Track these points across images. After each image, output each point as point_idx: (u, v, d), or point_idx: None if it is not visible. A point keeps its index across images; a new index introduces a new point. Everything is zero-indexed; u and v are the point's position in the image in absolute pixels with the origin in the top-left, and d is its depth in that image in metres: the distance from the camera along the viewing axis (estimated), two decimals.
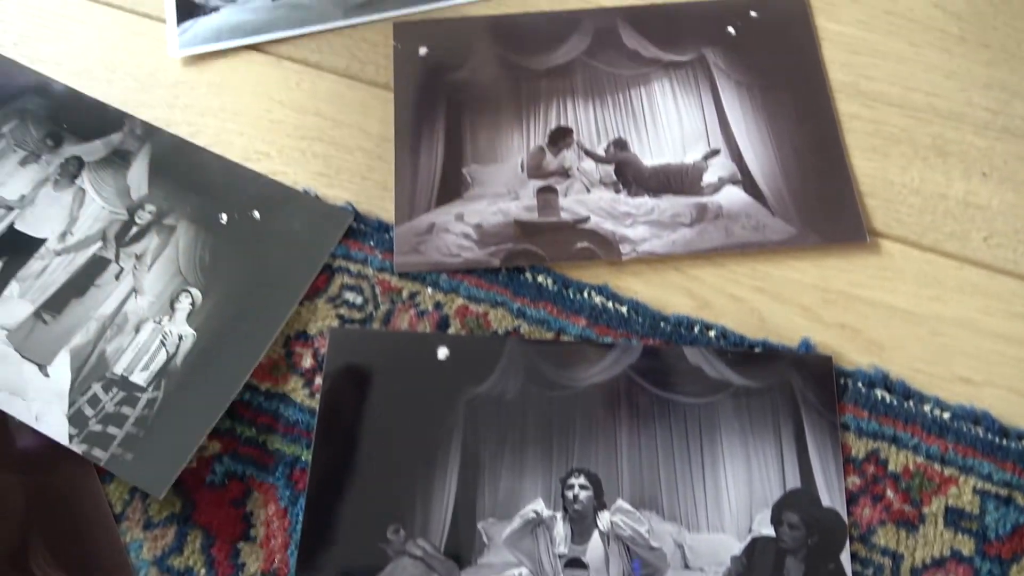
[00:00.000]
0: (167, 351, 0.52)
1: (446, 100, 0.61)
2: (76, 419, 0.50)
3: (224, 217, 0.57)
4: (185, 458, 0.49)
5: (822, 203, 0.57)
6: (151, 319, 0.53)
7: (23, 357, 0.51)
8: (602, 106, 0.61)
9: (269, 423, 0.52)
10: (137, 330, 0.53)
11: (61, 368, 0.51)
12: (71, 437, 0.49)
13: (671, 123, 0.60)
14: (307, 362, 0.53)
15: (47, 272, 0.54)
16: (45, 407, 0.50)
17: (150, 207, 0.57)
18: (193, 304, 0.54)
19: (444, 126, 0.61)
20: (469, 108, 0.61)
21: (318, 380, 0.53)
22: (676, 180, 0.58)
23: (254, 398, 0.52)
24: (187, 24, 0.65)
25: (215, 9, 0.66)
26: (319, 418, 0.51)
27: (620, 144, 0.60)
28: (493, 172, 0.59)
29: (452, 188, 0.58)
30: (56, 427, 0.49)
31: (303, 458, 0.51)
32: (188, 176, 0.59)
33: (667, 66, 0.62)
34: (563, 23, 0.64)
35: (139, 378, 0.51)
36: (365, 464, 0.50)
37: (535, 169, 0.59)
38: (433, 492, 0.49)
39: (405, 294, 0.55)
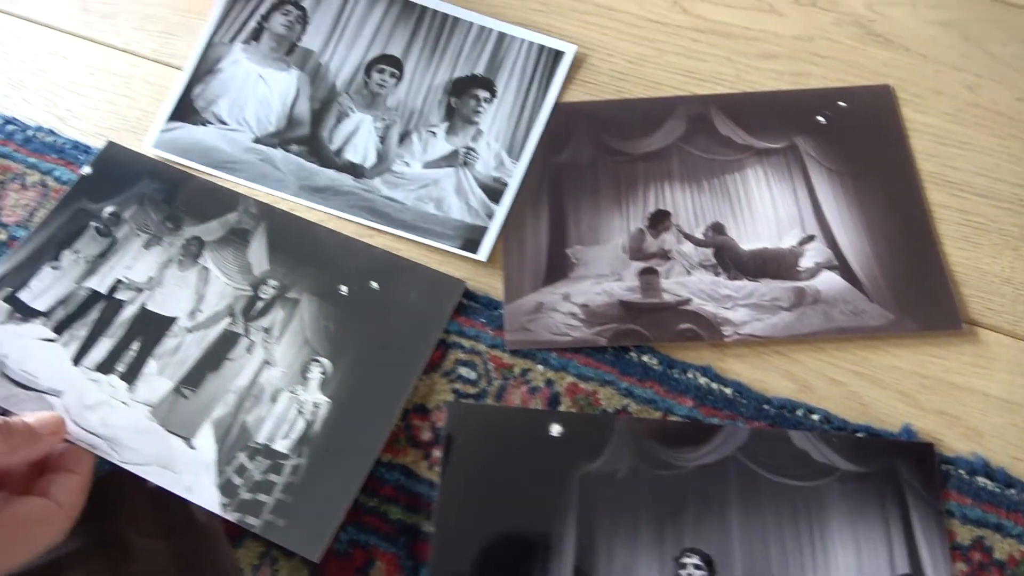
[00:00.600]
0: (305, 419, 0.55)
1: (549, 181, 0.65)
2: (226, 489, 0.53)
3: (344, 289, 0.60)
4: (335, 522, 0.52)
5: (917, 290, 0.59)
6: (285, 389, 0.56)
7: (168, 431, 0.55)
8: (699, 190, 0.64)
9: (390, 494, 0.54)
10: (274, 400, 0.56)
11: (206, 440, 0.54)
12: (223, 506, 0.52)
13: (766, 208, 0.63)
14: (425, 435, 0.56)
15: (182, 349, 0.58)
16: (195, 478, 0.53)
17: (272, 282, 0.61)
18: (324, 373, 0.57)
19: (548, 207, 0.64)
20: (571, 190, 0.65)
21: (435, 453, 0.55)
22: (773, 264, 0.61)
23: (376, 469, 0.55)
24: (174, 125, 0.68)
25: (205, 123, 0.69)
26: (441, 490, 0.54)
27: (718, 228, 0.63)
28: (596, 253, 0.62)
29: (558, 268, 0.61)
30: (208, 497, 0.52)
31: (423, 528, 0.53)
32: (305, 250, 0.62)
33: (760, 153, 0.65)
34: (658, 109, 0.67)
35: (282, 446, 0.54)
36: (486, 535, 0.52)
37: (636, 251, 0.62)
38: (551, 566, 0.51)
39: (517, 371, 0.58)
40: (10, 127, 0.67)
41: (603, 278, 0.61)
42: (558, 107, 0.68)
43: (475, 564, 0.51)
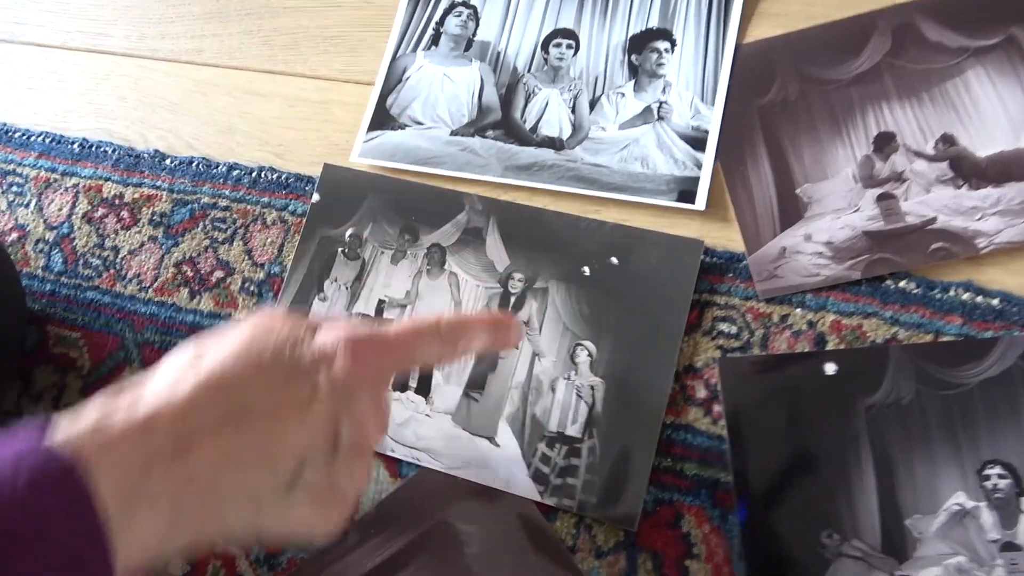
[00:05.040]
0: (586, 402, 0.59)
1: (761, 124, 0.65)
2: (538, 478, 0.57)
3: (587, 270, 0.63)
4: (641, 490, 0.56)
5: None
6: (560, 377, 0.60)
7: (473, 434, 0.60)
8: (919, 104, 0.63)
9: (681, 452, 0.58)
10: (553, 389, 0.60)
11: (507, 437, 0.59)
12: (540, 493, 0.57)
13: (995, 109, 0.61)
14: (701, 393, 0.59)
15: None
16: (508, 473, 0.58)
17: (518, 275, 0.64)
18: (590, 355, 0.60)
19: (766, 151, 0.64)
20: (786, 129, 0.64)
21: (715, 407, 0.58)
22: (1016, 166, 0.59)
23: (663, 432, 0.58)
24: (375, 134, 0.71)
25: (402, 127, 0.71)
26: (731, 442, 0.57)
27: (948, 139, 0.61)
28: (827, 188, 0.62)
29: (791, 210, 0.62)
30: (524, 488, 0.57)
31: (722, 479, 0.57)
32: (539, 238, 0.65)
33: (977, 52, 0.63)
34: (858, 28, 0.66)
35: (573, 431, 0.58)
36: (786, 477, 0.55)
37: (868, 179, 0.62)
38: (856, 496, 0.54)
39: (776, 318, 0.60)
40: (236, 172, 0.73)
41: (840, 212, 0.61)
42: (752, 46, 0.68)
43: (782, 506, 0.55)
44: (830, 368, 0.57)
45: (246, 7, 0.80)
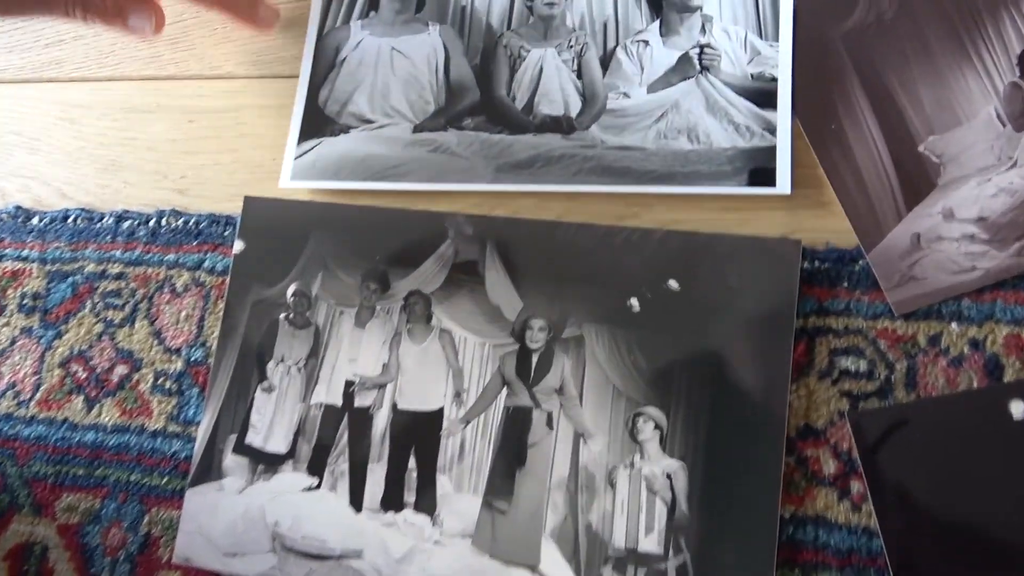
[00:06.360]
0: (662, 498, 0.40)
1: (852, 61, 0.45)
2: None
3: (635, 303, 0.44)
4: None
5: None
6: (620, 464, 0.41)
7: (506, 563, 0.41)
8: None
9: (812, 558, 0.40)
10: (612, 484, 0.41)
11: (555, 563, 0.40)
12: None
13: None
14: (830, 465, 0.40)
15: (467, 449, 0.44)
16: None
17: (537, 323, 0.45)
18: (659, 428, 0.42)
19: (865, 99, 0.45)
20: (888, 61, 0.45)
21: (855, 485, 0.40)
22: None
23: (781, 530, 0.40)
24: (308, 145, 0.51)
25: (345, 130, 0.51)
26: (885, 536, 0.39)
27: None
28: (963, 138, 0.43)
29: (918, 179, 0.43)
30: None
31: None
32: (558, 264, 0.46)
33: None
34: None
35: (649, 545, 0.40)
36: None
37: (1019, 116, 0.43)
38: None
39: (922, 341, 0.41)
40: (127, 223, 0.53)
41: (988, 170, 0.42)
42: None
43: None
44: (1018, 409, 0.39)
45: None
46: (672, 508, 0.40)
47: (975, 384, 0.40)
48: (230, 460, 0.46)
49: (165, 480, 0.48)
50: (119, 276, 0.52)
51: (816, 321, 0.42)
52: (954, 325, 0.41)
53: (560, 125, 0.49)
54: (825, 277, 0.43)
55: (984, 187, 0.42)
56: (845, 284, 0.42)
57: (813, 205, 0.44)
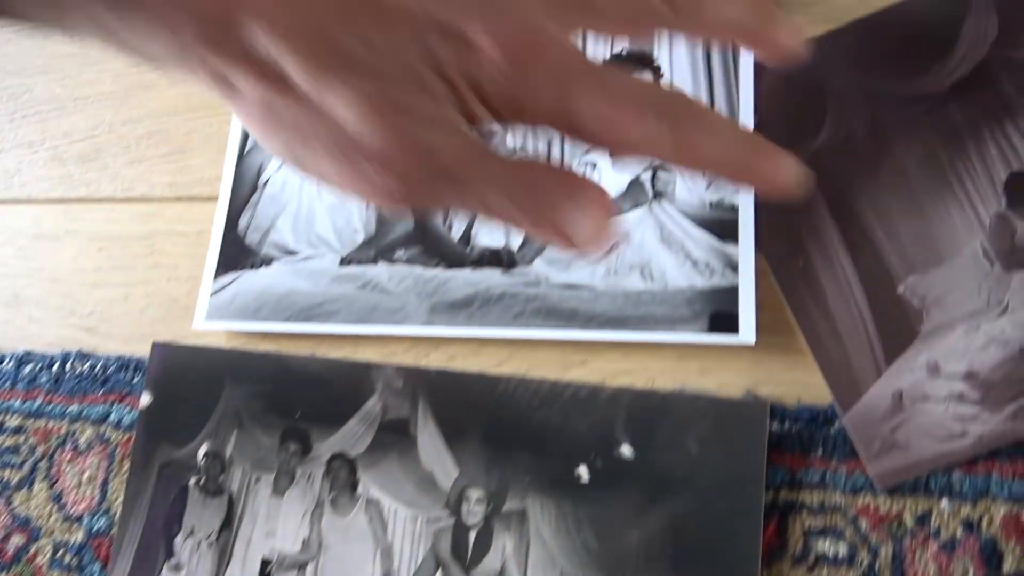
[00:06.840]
0: None
1: (820, 191, 0.41)
2: None
3: (583, 471, 0.39)
4: None
5: None
6: None
7: None
8: None
9: None
10: None
11: None
12: None
13: None
14: None
15: None
16: None
17: (475, 493, 0.40)
18: None
19: (837, 231, 0.40)
20: (861, 187, 0.40)
21: None
22: None
23: None
24: (227, 279, 0.46)
25: (267, 262, 0.46)
26: None
27: None
28: (946, 279, 0.39)
29: (898, 325, 0.38)
30: None
31: None
32: (498, 425, 0.40)
33: None
34: (945, 8, 0.42)
35: None
36: None
37: (1007, 253, 0.38)
38: None
39: (909, 521, 0.36)
40: (29, 367, 0.48)
41: (976, 316, 0.38)
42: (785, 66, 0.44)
43: None
44: None
45: (21, 107, 0.55)
46: None
47: (971, 575, 0.35)
48: None
49: None
50: (18, 430, 0.46)
51: (788, 495, 0.37)
52: (945, 502, 0.36)
53: (500, 259, 0.44)
54: (797, 441, 0.38)
55: (972, 337, 0.37)
56: (820, 452, 0.37)
57: (781, 352, 0.39)
